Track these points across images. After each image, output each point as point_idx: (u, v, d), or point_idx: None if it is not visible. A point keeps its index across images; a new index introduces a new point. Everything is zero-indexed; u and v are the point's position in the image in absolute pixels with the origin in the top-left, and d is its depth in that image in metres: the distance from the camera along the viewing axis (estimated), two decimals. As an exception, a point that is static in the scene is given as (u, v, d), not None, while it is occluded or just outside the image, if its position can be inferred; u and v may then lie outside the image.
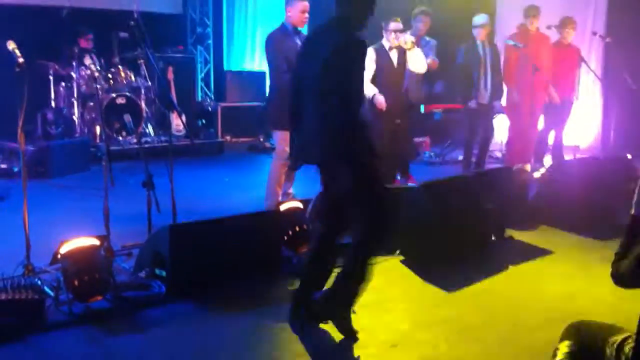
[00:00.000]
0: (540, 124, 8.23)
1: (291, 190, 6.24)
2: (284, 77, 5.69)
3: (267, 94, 6.22)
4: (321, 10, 6.22)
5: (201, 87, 12.57)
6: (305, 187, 6.48)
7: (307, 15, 5.91)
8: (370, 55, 6.42)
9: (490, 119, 7.74)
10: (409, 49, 6.54)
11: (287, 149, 5.83)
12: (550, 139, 8.35)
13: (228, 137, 10.95)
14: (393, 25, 6.54)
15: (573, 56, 8.09)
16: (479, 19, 7.53)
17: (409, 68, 6.72)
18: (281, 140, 5.89)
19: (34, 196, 5.01)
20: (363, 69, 3.72)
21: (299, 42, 5.85)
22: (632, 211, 2.60)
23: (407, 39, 6.50)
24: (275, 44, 5.83)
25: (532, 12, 7.86)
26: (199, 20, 12.54)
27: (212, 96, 12.40)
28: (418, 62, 6.67)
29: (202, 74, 12.62)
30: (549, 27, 8.01)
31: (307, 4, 5.93)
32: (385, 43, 6.60)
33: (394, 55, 6.58)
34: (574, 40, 8.26)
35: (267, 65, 6.08)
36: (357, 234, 3.71)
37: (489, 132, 7.73)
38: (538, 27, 7.93)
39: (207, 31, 12.63)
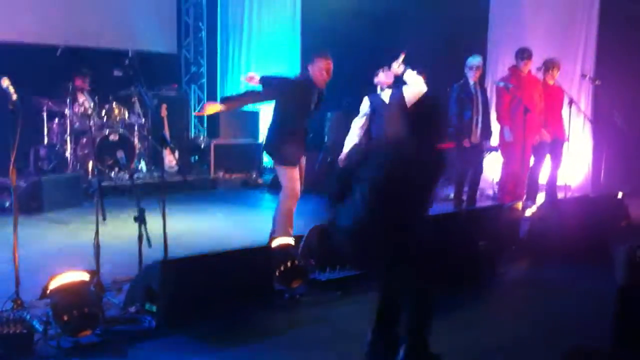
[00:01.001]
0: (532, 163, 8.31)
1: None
2: (297, 118, 5.79)
3: (271, 131, 6.03)
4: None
5: (194, 124, 12.64)
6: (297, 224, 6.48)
7: (325, 74, 5.76)
8: (365, 101, 6.58)
9: (480, 157, 7.82)
10: (402, 73, 6.39)
11: (297, 186, 5.85)
12: (542, 177, 8.41)
13: (221, 174, 10.97)
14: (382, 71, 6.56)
15: (558, 96, 8.20)
16: (474, 60, 7.64)
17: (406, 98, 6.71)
18: (290, 177, 5.83)
19: (26, 231, 5.01)
20: None
21: (316, 97, 5.83)
22: None
23: (397, 61, 6.40)
24: (292, 88, 5.85)
25: (524, 54, 7.97)
26: (193, 59, 12.67)
27: (205, 133, 12.46)
28: (415, 84, 6.44)
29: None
30: (539, 69, 8.14)
31: (328, 62, 5.76)
32: (378, 90, 6.62)
33: (385, 95, 6.56)
34: (564, 83, 8.38)
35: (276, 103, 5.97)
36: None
37: (478, 170, 7.79)
38: (530, 70, 8.04)
39: (202, 70, 12.76)
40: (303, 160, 6.04)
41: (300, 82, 5.94)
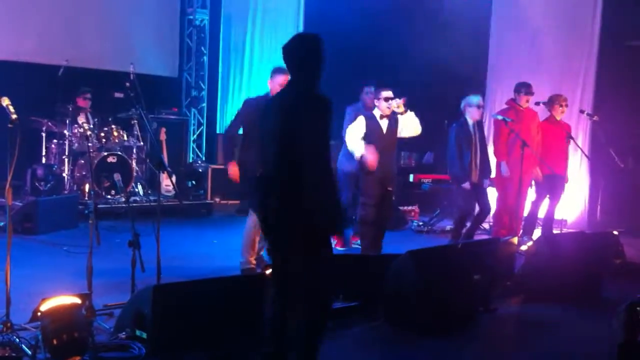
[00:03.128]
0: (532, 198, 8.30)
1: (263, 252, 6.23)
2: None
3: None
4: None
5: (193, 148, 12.66)
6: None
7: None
8: (361, 121, 6.62)
9: (485, 194, 7.64)
10: (402, 113, 6.62)
11: None
12: (541, 212, 8.38)
13: (217, 199, 10.96)
14: (385, 93, 6.66)
15: (563, 133, 8.18)
16: (475, 99, 7.49)
17: (401, 135, 6.80)
18: None
19: (19, 252, 4.98)
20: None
21: None
22: None
23: (398, 102, 6.58)
24: (245, 108, 6.28)
25: (523, 89, 7.99)
26: (194, 83, 12.73)
27: (203, 158, 12.48)
28: (412, 125, 6.72)
29: (194, 136, 12.74)
30: (537, 104, 8.16)
31: (286, 77, 5.90)
32: (377, 112, 6.69)
33: (384, 124, 6.66)
34: (563, 118, 8.40)
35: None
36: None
37: (486, 209, 7.61)
38: (528, 105, 8.06)
39: (202, 94, 12.81)
40: None
41: (256, 103, 6.17)
